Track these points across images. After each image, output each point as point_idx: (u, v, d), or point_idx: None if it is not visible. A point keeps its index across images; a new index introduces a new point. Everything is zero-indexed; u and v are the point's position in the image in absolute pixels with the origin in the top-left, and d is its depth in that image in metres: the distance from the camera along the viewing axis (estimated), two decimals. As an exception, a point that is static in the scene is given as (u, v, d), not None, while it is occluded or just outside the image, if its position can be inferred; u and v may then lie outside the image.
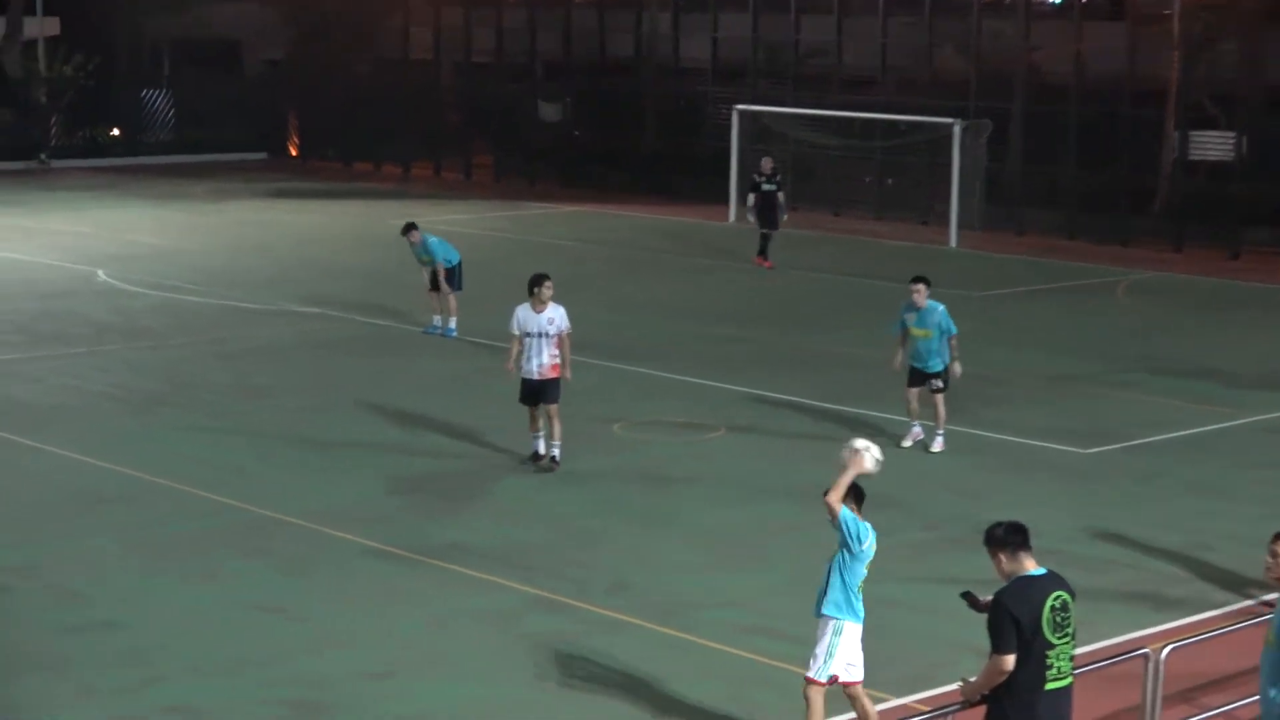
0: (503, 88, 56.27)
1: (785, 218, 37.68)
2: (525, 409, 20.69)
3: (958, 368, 21.75)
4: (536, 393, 20.46)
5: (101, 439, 21.98)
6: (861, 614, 12.39)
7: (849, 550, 12.31)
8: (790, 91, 47.85)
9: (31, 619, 15.61)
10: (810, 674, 12.34)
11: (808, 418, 23.46)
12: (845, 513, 12.28)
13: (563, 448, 20.52)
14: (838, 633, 12.31)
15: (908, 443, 21.83)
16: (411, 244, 29.14)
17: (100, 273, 35.12)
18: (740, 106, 45.69)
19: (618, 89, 53.43)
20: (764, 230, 37.07)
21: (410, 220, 29.96)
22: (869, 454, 12.44)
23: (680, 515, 18.97)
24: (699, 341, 28.80)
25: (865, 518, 12.29)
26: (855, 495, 12.49)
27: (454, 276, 28.82)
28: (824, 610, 12.34)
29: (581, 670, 14.48)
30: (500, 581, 16.68)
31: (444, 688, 14.06)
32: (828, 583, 12.36)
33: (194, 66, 63.48)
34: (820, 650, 12.32)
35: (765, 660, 14.49)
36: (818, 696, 12.34)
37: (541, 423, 20.59)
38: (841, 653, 12.34)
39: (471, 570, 16.99)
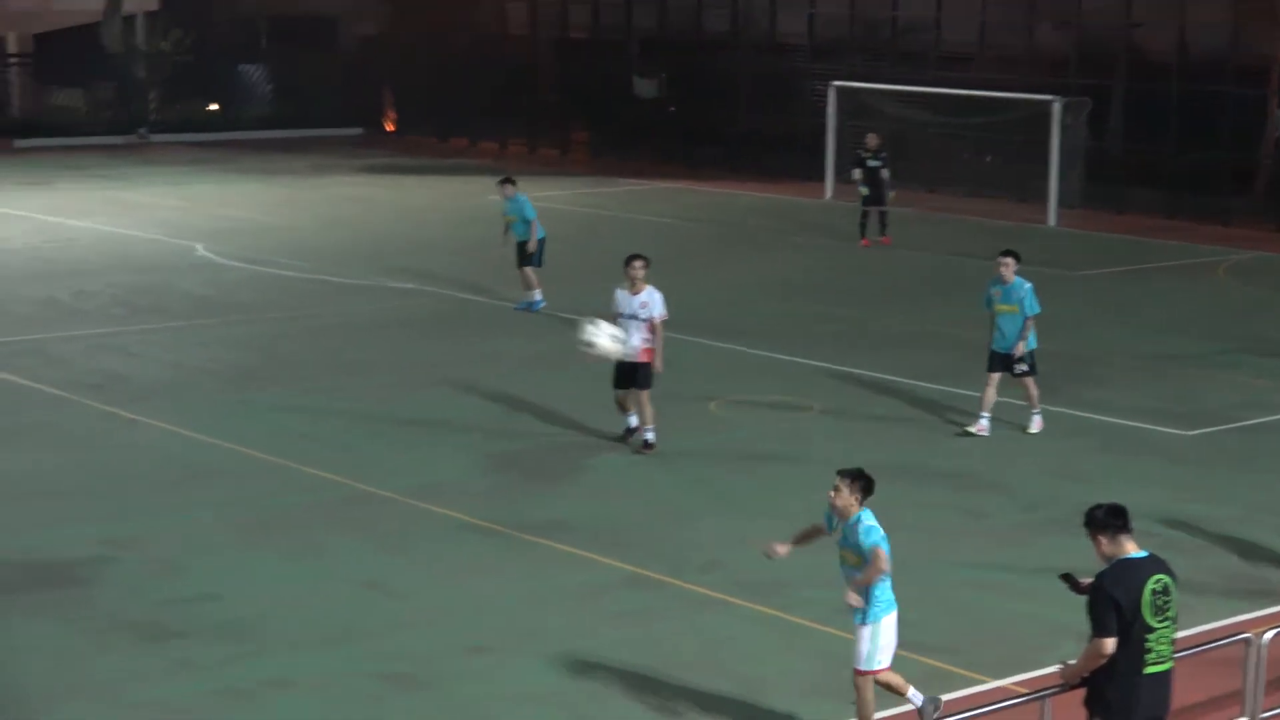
0: (598, 64, 56.26)
1: (893, 195, 37.32)
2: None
3: (1022, 346, 21.15)
4: (628, 375, 20.37)
5: (200, 412, 22.16)
6: (894, 598, 12.37)
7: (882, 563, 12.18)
8: (887, 68, 47.58)
9: (134, 590, 15.76)
10: (862, 667, 12.24)
11: (901, 397, 23.33)
12: (881, 541, 12.16)
13: (657, 428, 20.43)
14: (879, 624, 12.25)
15: (972, 429, 21.43)
16: (504, 196, 29.16)
17: (198, 247, 35.38)
18: (837, 83, 45.45)
19: (714, 65, 53.26)
20: (867, 208, 36.87)
21: (509, 175, 30.07)
22: (603, 344, 12.64)
23: (774, 494, 18.90)
24: (793, 319, 28.70)
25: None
26: (866, 487, 12.33)
27: (536, 252, 28.83)
28: (868, 620, 12.22)
29: (676, 647, 14.48)
30: (595, 558, 16.69)
31: (539, 663, 14.07)
32: (870, 594, 12.22)
33: (290, 41, 63.84)
34: (866, 643, 12.20)
35: (861, 640, 14.40)
36: (868, 686, 12.29)
37: (632, 404, 20.49)
38: (886, 642, 12.26)
39: (567, 546, 17.01)
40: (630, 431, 20.59)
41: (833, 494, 12.33)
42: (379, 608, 15.44)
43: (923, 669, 13.74)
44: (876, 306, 30.09)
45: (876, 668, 12.26)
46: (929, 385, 23.82)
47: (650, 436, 20.37)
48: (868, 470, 12.46)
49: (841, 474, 12.38)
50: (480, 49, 59.36)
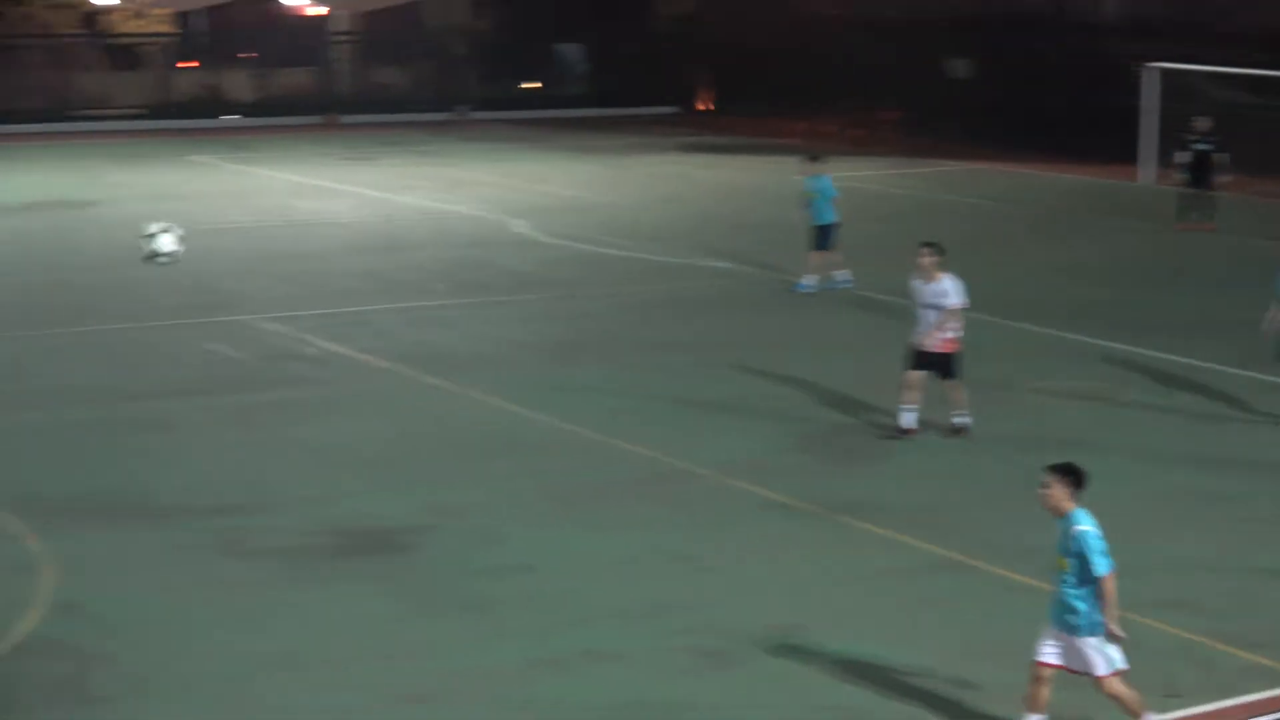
0: (910, 43, 55.86)
1: (1226, 179, 36.32)
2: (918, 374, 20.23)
3: None
4: (925, 359, 20.07)
5: (517, 386, 22.60)
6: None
7: (1093, 567, 11.71)
8: (1206, 48, 46.37)
9: (453, 559, 16.16)
10: (1104, 672, 11.83)
11: (1215, 384, 22.74)
12: (1088, 531, 11.74)
13: (968, 412, 20.23)
14: (1101, 635, 11.83)
15: None
16: (808, 174, 29.15)
17: (516, 223, 36.02)
18: (1154, 64, 44.49)
19: (1028, 45, 52.50)
20: (1190, 191, 36.06)
21: (819, 153, 30.12)
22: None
23: (1089, 482, 18.58)
24: (1106, 303, 28.24)
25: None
26: (1076, 481, 11.88)
27: (827, 235, 28.78)
28: (1093, 632, 11.76)
29: (990, 632, 14.39)
30: (906, 540, 16.65)
31: (853, 644, 14.06)
32: (1085, 604, 11.76)
33: (606, 20, 64.57)
34: (1095, 652, 11.75)
35: (1182, 634, 14.16)
36: (1119, 684, 11.90)
37: (919, 395, 20.19)
38: (1114, 647, 11.84)
39: (877, 527, 17.00)
40: (904, 432, 20.21)
41: (1043, 492, 11.96)
42: (690, 582, 15.61)
43: (1240, 664, 13.50)
44: (1192, 291, 29.47)
45: (1117, 668, 11.88)
46: (1244, 373, 23.18)
47: (963, 420, 20.20)
48: (1078, 464, 12.09)
49: (1050, 470, 11.98)
50: (792, 28, 59.34)
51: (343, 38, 63.97)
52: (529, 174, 44.33)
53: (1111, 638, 11.75)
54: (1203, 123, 36.49)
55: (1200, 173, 35.89)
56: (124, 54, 63.69)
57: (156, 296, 28.44)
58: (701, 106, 61.77)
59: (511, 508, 17.69)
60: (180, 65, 62.81)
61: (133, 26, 64.38)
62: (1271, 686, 13.00)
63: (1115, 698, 11.96)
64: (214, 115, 58.75)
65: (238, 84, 61.23)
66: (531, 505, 17.79)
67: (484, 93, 60.64)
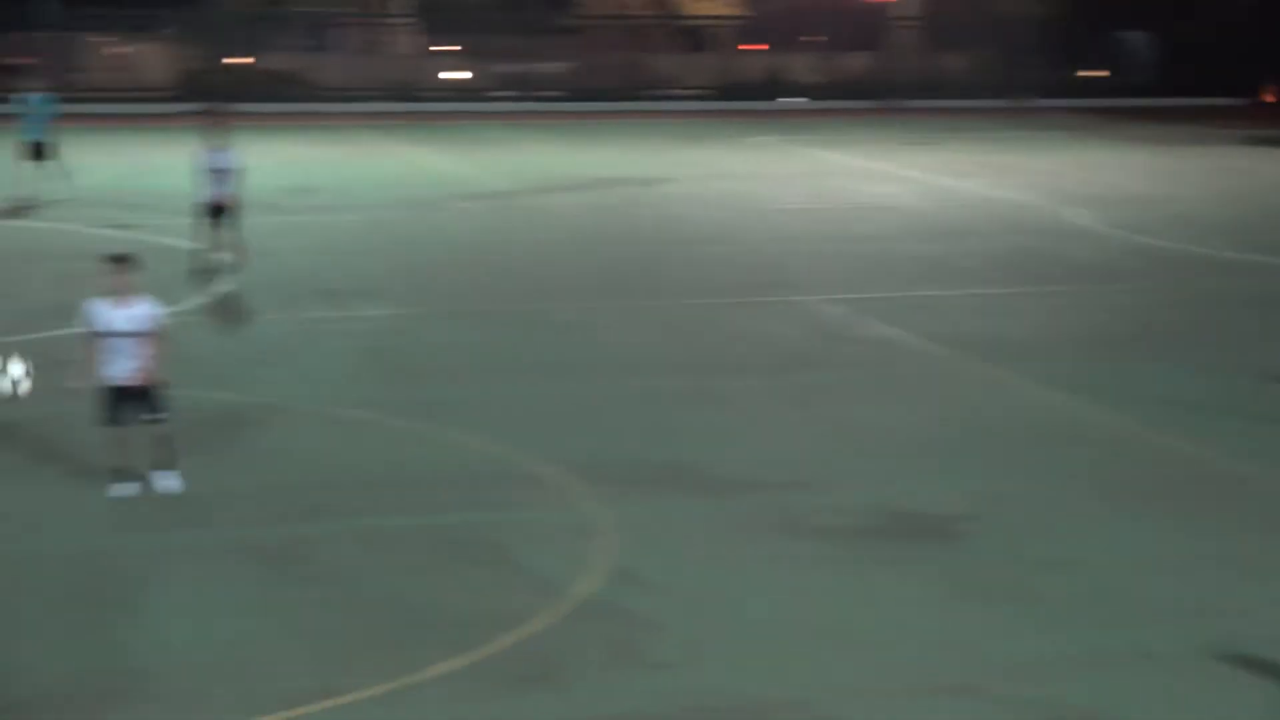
0: None
1: None
2: None
3: None
4: None
5: (1069, 376, 22.45)
6: None
7: None
8: None
9: (1001, 548, 16.15)
10: None
11: None
12: None
13: None
14: None
15: None
16: None
17: (1072, 212, 35.67)
18: None
19: None
20: None
21: None
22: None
23: None
24: None
25: None
26: None
27: None
28: None
29: None
30: None
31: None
32: None
33: (1175, 8, 63.10)
34: None
35: None
36: None
37: None
38: None
39: None
40: None
41: None
42: (1236, 588, 15.17)
43: None
44: None
45: None
46: None
47: None
48: None
49: None
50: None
51: (906, 23, 64.26)
52: (1087, 163, 43.78)
53: None
54: None
55: None
56: (691, 35, 65.50)
57: (717, 274, 29.26)
58: (1270, 98, 59.72)
59: (1060, 499, 17.58)
60: (744, 48, 64.19)
61: (702, 9, 66.09)
62: None
63: None
64: (772, 97, 59.84)
65: (800, 67, 62.21)
66: (1079, 497, 17.65)
67: (1046, 80, 60.06)
